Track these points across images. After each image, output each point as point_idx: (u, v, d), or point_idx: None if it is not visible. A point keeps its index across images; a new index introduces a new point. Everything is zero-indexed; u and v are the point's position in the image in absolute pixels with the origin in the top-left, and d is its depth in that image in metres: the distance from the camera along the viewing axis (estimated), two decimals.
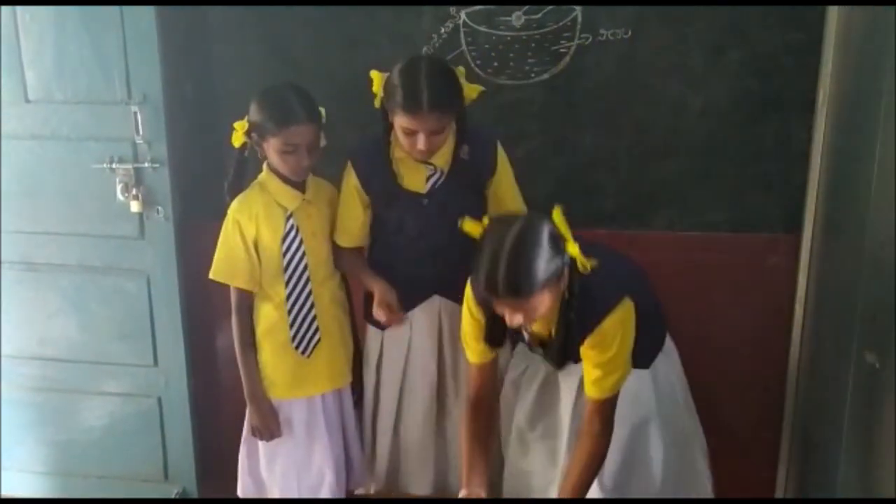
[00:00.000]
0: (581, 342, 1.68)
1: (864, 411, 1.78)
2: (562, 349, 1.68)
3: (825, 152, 2.13)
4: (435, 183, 1.94)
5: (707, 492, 1.97)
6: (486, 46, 2.22)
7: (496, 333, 1.74)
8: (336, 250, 2.03)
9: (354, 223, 1.99)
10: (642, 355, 1.81)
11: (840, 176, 2.06)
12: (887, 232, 1.66)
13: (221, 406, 2.52)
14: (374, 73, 1.87)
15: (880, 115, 1.72)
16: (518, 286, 1.51)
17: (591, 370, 1.69)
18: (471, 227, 1.60)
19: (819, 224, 2.17)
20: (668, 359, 1.91)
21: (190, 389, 2.53)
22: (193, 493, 2.61)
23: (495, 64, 2.23)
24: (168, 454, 2.61)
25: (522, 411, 1.95)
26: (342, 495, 2.08)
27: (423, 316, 2.04)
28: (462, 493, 1.79)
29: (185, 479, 2.61)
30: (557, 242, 1.54)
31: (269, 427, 2.00)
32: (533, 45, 2.20)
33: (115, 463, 2.64)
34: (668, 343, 1.93)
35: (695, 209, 2.27)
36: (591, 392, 1.70)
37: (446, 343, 2.06)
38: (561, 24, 2.17)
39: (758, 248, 2.26)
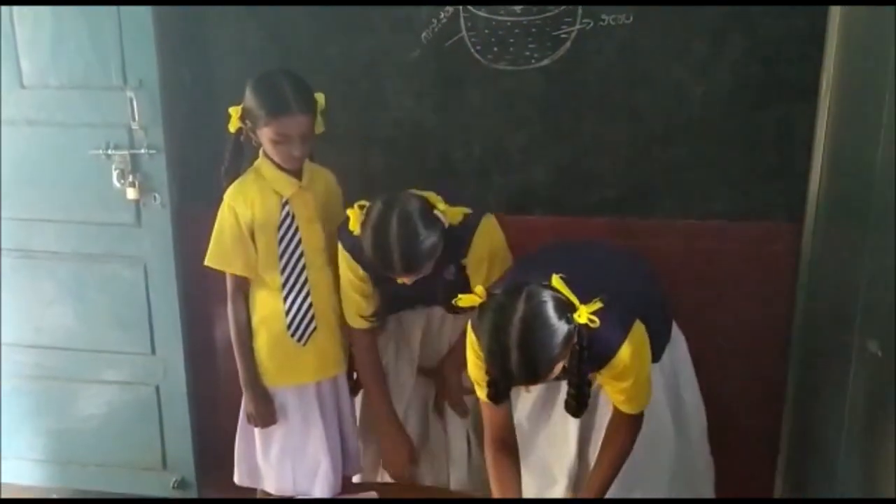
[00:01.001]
0: (596, 370, 1.63)
1: (866, 399, 1.77)
2: (577, 400, 1.60)
3: (828, 140, 2.11)
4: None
5: (709, 475, 1.97)
6: (486, 31, 2.20)
7: (502, 391, 1.65)
8: (354, 348, 2.03)
9: (359, 303, 1.94)
10: (652, 350, 1.75)
11: (843, 164, 2.04)
12: (890, 220, 1.65)
13: (220, 394, 2.51)
14: (350, 212, 1.78)
15: (884, 102, 1.71)
16: (533, 374, 1.46)
17: (614, 396, 1.67)
18: (466, 300, 1.53)
19: (821, 212, 2.16)
20: (674, 348, 1.90)
21: (188, 378, 2.53)
22: (192, 482, 2.60)
23: (495, 49, 2.20)
24: (166, 442, 2.60)
25: (524, 408, 1.93)
26: (338, 483, 2.07)
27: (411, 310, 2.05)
28: None
29: (183, 468, 2.61)
30: (564, 310, 1.46)
31: (264, 414, 2.00)
32: (533, 30, 2.17)
33: (114, 451, 2.63)
34: (674, 332, 1.91)
35: (696, 197, 2.25)
36: (622, 409, 1.68)
37: (433, 333, 2.07)
38: (562, 8, 2.15)
39: (759, 236, 2.25)
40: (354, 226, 1.76)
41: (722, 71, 2.15)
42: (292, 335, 1.95)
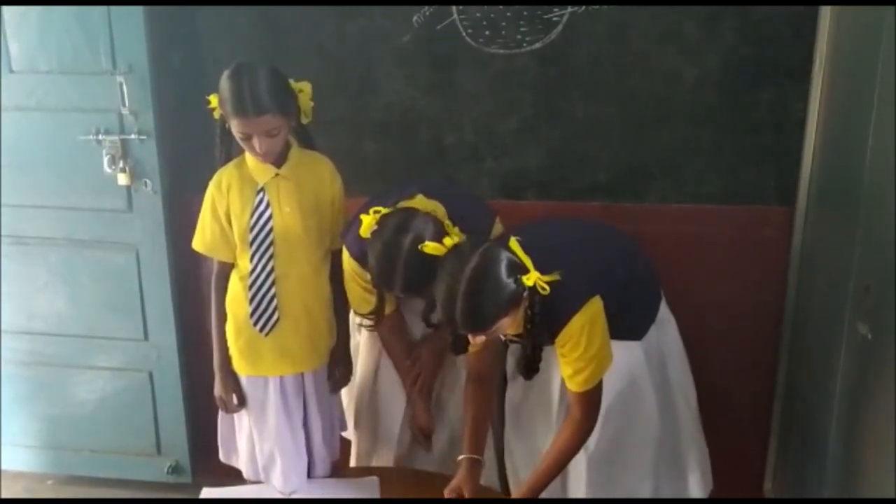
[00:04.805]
0: (551, 342, 1.69)
1: (856, 382, 1.78)
2: (527, 363, 1.69)
3: (820, 122, 2.11)
4: None
5: (700, 454, 1.98)
6: (478, 15, 2.18)
7: (459, 344, 1.75)
8: (379, 329, 2.02)
9: (366, 298, 1.93)
10: (634, 327, 1.83)
11: (835, 147, 2.04)
12: (881, 203, 1.65)
13: (213, 379, 2.50)
14: (364, 217, 1.74)
15: (876, 84, 1.70)
16: (474, 323, 1.55)
17: (564, 366, 1.71)
18: (432, 248, 1.60)
19: (813, 196, 2.16)
20: (662, 329, 1.91)
21: (181, 363, 2.53)
22: (186, 467, 2.61)
23: (487, 33, 2.19)
24: (160, 428, 2.61)
25: (516, 387, 1.97)
26: (297, 481, 2.04)
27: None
28: (460, 458, 1.85)
29: (177, 453, 2.62)
30: (515, 271, 1.55)
31: (228, 400, 2.01)
32: (525, 13, 2.16)
33: (108, 437, 2.64)
34: (664, 313, 1.92)
35: (688, 181, 2.25)
36: (570, 385, 1.72)
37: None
38: None
39: (752, 220, 2.25)
40: (365, 232, 1.73)
41: (714, 53, 2.14)
42: (254, 324, 1.93)
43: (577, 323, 1.63)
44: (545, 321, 1.61)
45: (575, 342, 1.65)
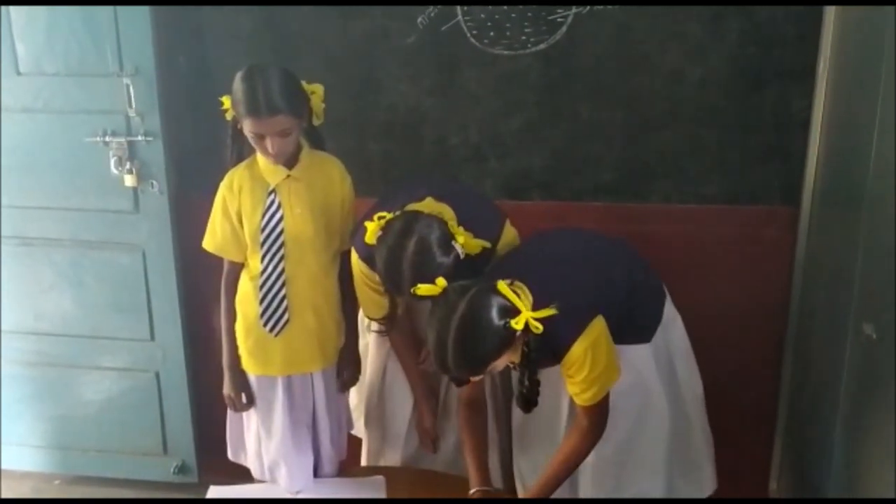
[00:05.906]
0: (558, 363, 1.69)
1: (861, 382, 1.78)
2: (525, 398, 1.67)
3: (825, 122, 2.11)
4: None
5: (708, 449, 1.99)
6: (482, 16, 2.19)
7: (459, 380, 1.75)
8: (390, 336, 2.04)
9: (378, 301, 1.94)
10: (641, 332, 1.82)
11: (839, 147, 2.04)
12: (886, 203, 1.65)
13: (219, 379, 2.50)
14: (368, 224, 1.75)
15: (880, 85, 1.70)
16: (466, 368, 1.57)
17: (570, 386, 1.71)
18: (425, 289, 1.58)
19: (818, 195, 2.16)
20: (669, 328, 1.91)
21: (187, 364, 2.54)
22: (192, 467, 2.62)
23: (491, 33, 2.20)
24: (167, 428, 2.62)
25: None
26: (303, 480, 2.04)
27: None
28: (472, 492, 1.85)
29: (184, 453, 2.63)
30: (505, 315, 1.53)
31: (237, 399, 2.01)
32: (529, 13, 2.17)
33: (114, 437, 2.65)
34: (669, 312, 1.92)
35: (692, 181, 2.25)
36: (577, 401, 1.73)
37: None
38: None
39: (756, 220, 2.25)
40: (371, 238, 1.74)
41: (718, 54, 2.14)
42: (264, 325, 1.94)
43: (579, 348, 1.63)
44: (547, 349, 1.60)
45: (579, 365, 1.64)
